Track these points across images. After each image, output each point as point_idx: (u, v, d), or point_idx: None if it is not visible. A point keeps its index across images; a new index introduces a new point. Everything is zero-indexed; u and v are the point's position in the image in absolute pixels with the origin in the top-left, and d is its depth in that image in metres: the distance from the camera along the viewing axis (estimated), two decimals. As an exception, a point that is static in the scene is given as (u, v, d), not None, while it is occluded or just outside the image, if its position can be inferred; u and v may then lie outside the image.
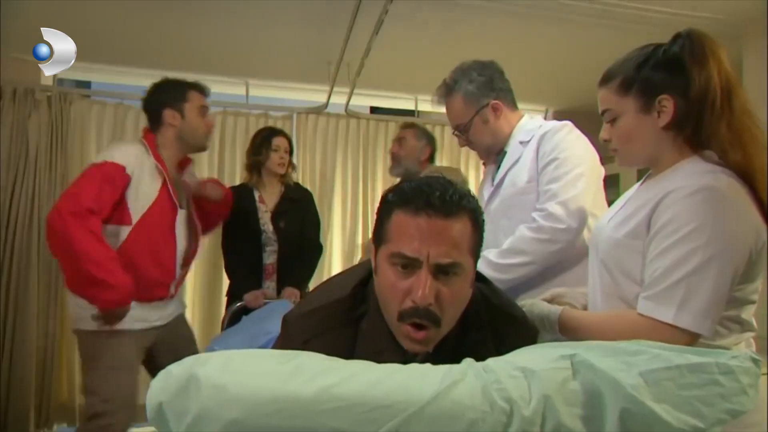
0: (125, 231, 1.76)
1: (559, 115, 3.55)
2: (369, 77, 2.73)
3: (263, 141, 2.51)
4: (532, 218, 1.40)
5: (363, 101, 3.54)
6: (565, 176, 1.39)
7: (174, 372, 0.74)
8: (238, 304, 2.30)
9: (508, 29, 2.33)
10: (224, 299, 2.57)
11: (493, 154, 1.61)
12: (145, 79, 3.08)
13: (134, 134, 2.96)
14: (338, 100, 3.18)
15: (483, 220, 0.92)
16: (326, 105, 3.21)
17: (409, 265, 0.86)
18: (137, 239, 1.77)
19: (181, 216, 1.91)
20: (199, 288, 3.05)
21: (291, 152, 2.57)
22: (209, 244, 3.01)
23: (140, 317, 1.80)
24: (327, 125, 3.28)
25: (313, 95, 3.27)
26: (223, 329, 2.35)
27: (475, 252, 0.91)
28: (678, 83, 0.98)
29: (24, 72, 2.76)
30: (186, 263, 1.99)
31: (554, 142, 1.43)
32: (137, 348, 1.84)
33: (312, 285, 2.50)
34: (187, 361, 0.75)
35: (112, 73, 2.99)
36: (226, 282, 2.62)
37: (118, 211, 1.75)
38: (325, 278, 1.79)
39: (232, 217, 2.46)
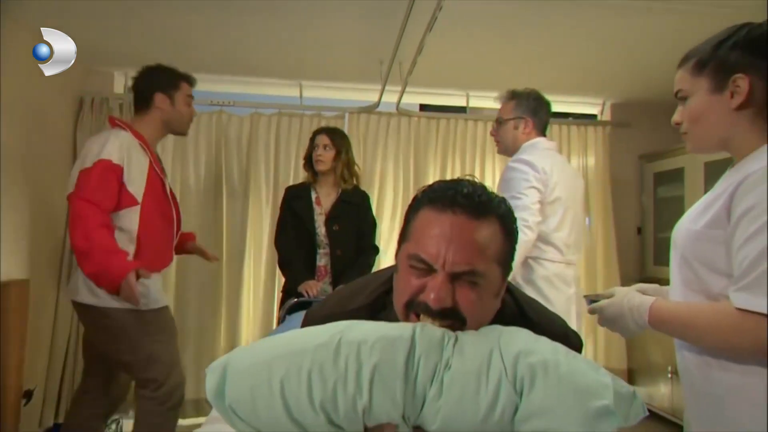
0: (135, 211, 1.95)
1: (616, 107, 3.40)
2: (420, 75, 2.72)
3: (311, 139, 2.56)
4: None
5: (413, 99, 3.54)
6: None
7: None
8: (293, 300, 2.27)
9: (561, 22, 2.27)
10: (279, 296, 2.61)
11: (507, 154, 2.20)
12: (204, 85, 3.23)
13: (196, 135, 3.11)
14: (388, 99, 3.20)
15: (516, 228, 0.87)
16: (378, 104, 3.24)
17: (426, 270, 0.81)
18: (149, 216, 1.98)
19: (167, 185, 2.11)
20: (258, 285, 3.15)
21: (339, 152, 2.48)
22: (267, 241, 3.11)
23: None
24: (378, 124, 3.31)
25: (364, 95, 3.30)
26: (277, 325, 2.40)
27: (504, 261, 0.85)
28: (759, 63, 0.94)
29: (101, 83, 3.04)
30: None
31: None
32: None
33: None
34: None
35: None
36: (281, 280, 2.67)
37: (122, 197, 1.93)
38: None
39: (286, 216, 2.52)
